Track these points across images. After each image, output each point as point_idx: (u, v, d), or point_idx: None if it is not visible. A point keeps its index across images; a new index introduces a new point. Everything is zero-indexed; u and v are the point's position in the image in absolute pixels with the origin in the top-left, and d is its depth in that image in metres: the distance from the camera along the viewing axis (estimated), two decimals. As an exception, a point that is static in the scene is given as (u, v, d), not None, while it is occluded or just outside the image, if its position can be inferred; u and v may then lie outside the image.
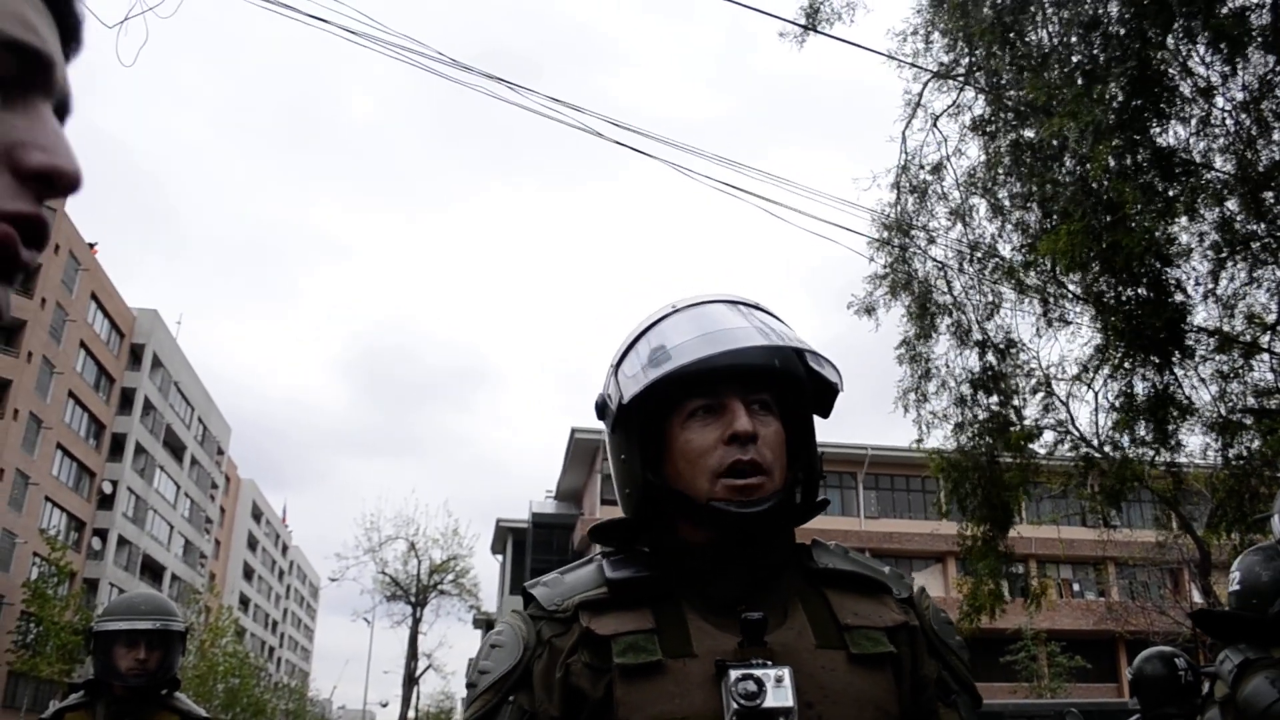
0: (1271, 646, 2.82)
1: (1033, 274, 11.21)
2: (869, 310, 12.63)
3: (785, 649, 1.27)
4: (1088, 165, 8.57)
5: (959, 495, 12.26)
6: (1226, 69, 9.10)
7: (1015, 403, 12.20)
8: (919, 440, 12.70)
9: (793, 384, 1.36)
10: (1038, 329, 11.74)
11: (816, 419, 1.42)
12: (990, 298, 12.15)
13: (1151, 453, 10.84)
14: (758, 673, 1.21)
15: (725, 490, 1.30)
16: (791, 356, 1.36)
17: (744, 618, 1.27)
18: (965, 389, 12.29)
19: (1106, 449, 11.49)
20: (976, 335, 12.26)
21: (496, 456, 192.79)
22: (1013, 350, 12.14)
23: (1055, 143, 9.43)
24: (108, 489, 51.57)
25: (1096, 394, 11.34)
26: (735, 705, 1.19)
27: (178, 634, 3.61)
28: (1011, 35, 10.23)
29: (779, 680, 1.20)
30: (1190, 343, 9.95)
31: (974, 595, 13.28)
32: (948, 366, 12.50)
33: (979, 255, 12.02)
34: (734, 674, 1.21)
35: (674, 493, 1.36)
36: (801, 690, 1.23)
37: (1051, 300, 11.38)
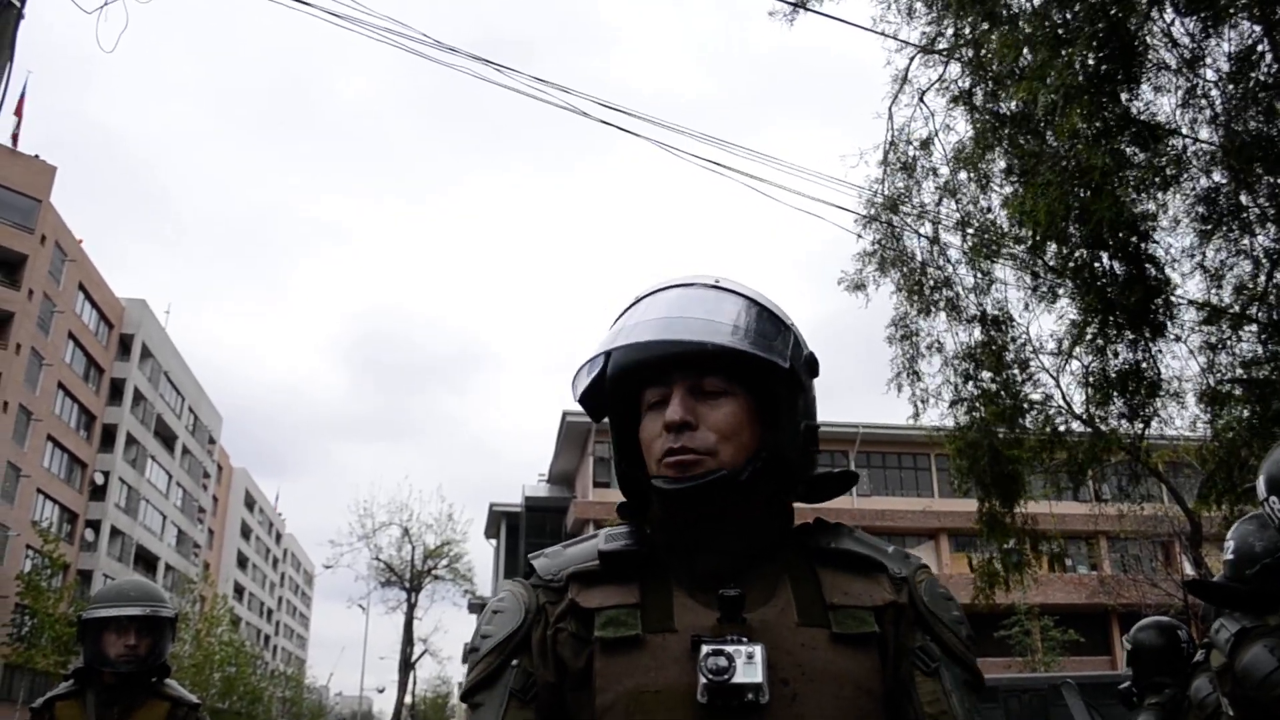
0: (1268, 614, 2.81)
1: (1023, 243, 11.17)
2: (859, 286, 12.60)
3: (765, 626, 1.28)
4: (1057, 129, 8.53)
5: (975, 471, 12.21)
6: (1205, 36, 9.07)
7: (1009, 377, 12.18)
8: (915, 416, 12.69)
9: (753, 359, 1.34)
10: (1032, 304, 11.72)
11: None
12: (981, 273, 12.12)
13: (1135, 426, 10.87)
14: (729, 649, 1.22)
15: (664, 469, 1.33)
16: (754, 331, 1.36)
17: (721, 594, 1.28)
18: (961, 364, 12.28)
19: (1094, 424, 11.52)
20: (970, 310, 12.25)
21: (491, 440, 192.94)
22: (1006, 325, 12.12)
23: (1029, 110, 9.40)
24: (99, 480, 51.46)
25: (1087, 367, 11.34)
26: (705, 680, 1.21)
27: (167, 620, 3.59)
28: (989, 3, 10.16)
29: (750, 657, 1.22)
30: (1162, 319, 9.94)
31: (985, 571, 13.30)
32: (939, 342, 12.49)
33: (969, 230, 12.00)
34: (706, 649, 1.23)
35: (644, 478, 1.40)
36: (778, 667, 1.24)
37: (1039, 274, 11.36)
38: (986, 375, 12.21)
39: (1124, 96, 8.78)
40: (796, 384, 1.37)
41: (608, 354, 1.40)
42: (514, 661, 1.33)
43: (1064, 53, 8.04)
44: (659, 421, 1.34)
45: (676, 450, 1.31)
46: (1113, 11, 8.13)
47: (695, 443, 1.31)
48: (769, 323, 1.38)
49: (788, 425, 1.36)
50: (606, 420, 1.49)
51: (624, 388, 1.42)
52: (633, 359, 1.38)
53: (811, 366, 1.41)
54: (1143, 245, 9.69)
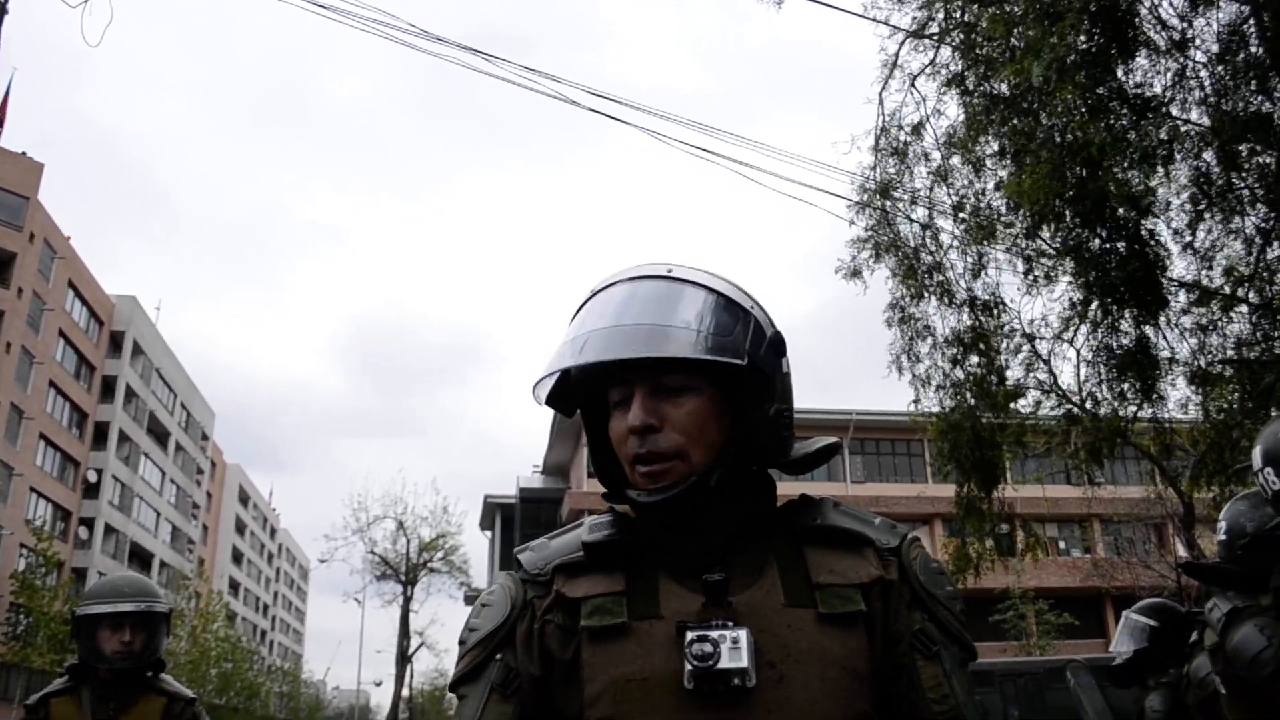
0: (1259, 594, 2.82)
1: (1014, 226, 11.16)
2: (855, 273, 12.60)
3: (750, 609, 1.27)
4: (1051, 105, 8.53)
5: (957, 456, 12.21)
6: (1195, 14, 9.08)
7: (999, 362, 12.18)
8: (915, 401, 12.69)
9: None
10: (1026, 288, 11.70)
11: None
12: (973, 257, 12.12)
13: (1134, 408, 10.86)
14: (714, 634, 1.22)
15: (638, 477, 1.33)
16: (709, 328, 1.31)
17: (704, 579, 1.28)
18: (951, 349, 12.27)
19: (1089, 405, 11.50)
20: (961, 295, 12.24)
21: (488, 432, 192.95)
22: (997, 309, 12.11)
23: (1023, 91, 9.39)
24: (93, 478, 51.37)
25: (1079, 351, 11.35)
26: (690, 667, 1.21)
27: (162, 615, 3.58)
28: None
29: (735, 642, 1.21)
30: (1167, 293, 9.93)
31: (959, 555, 13.32)
32: (929, 327, 12.49)
33: (961, 215, 11.99)
34: (690, 635, 1.22)
35: (619, 472, 1.40)
36: (764, 650, 1.24)
37: (1033, 257, 11.35)
38: (975, 360, 12.21)
39: (1119, 71, 8.77)
40: (760, 372, 1.33)
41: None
42: (498, 655, 1.34)
43: (1056, 29, 8.02)
44: (624, 422, 1.33)
45: (644, 456, 1.30)
46: None
47: (660, 445, 1.30)
48: (726, 313, 1.33)
49: (755, 413, 1.34)
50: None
51: (590, 387, 1.41)
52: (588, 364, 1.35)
53: (778, 348, 1.38)
54: (1142, 222, 9.68)
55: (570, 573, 1.36)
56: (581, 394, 1.44)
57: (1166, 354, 10.53)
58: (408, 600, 42.15)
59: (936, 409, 12.50)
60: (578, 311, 1.40)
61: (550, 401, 1.44)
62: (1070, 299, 11.13)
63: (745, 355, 1.30)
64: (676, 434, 1.30)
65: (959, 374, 12.28)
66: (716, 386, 1.33)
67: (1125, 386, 10.73)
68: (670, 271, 1.37)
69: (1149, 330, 10.25)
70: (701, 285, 1.35)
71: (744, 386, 1.33)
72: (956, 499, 12.75)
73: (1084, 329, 11.18)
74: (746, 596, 1.29)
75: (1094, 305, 10.54)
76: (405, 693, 44.73)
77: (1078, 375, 11.51)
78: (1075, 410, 11.71)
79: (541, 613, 1.35)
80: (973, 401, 12.03)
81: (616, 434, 1.35)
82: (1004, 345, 12.20)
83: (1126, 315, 10.20)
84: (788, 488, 1.45)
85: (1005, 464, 12.74)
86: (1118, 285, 9.57)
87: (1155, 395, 10.58)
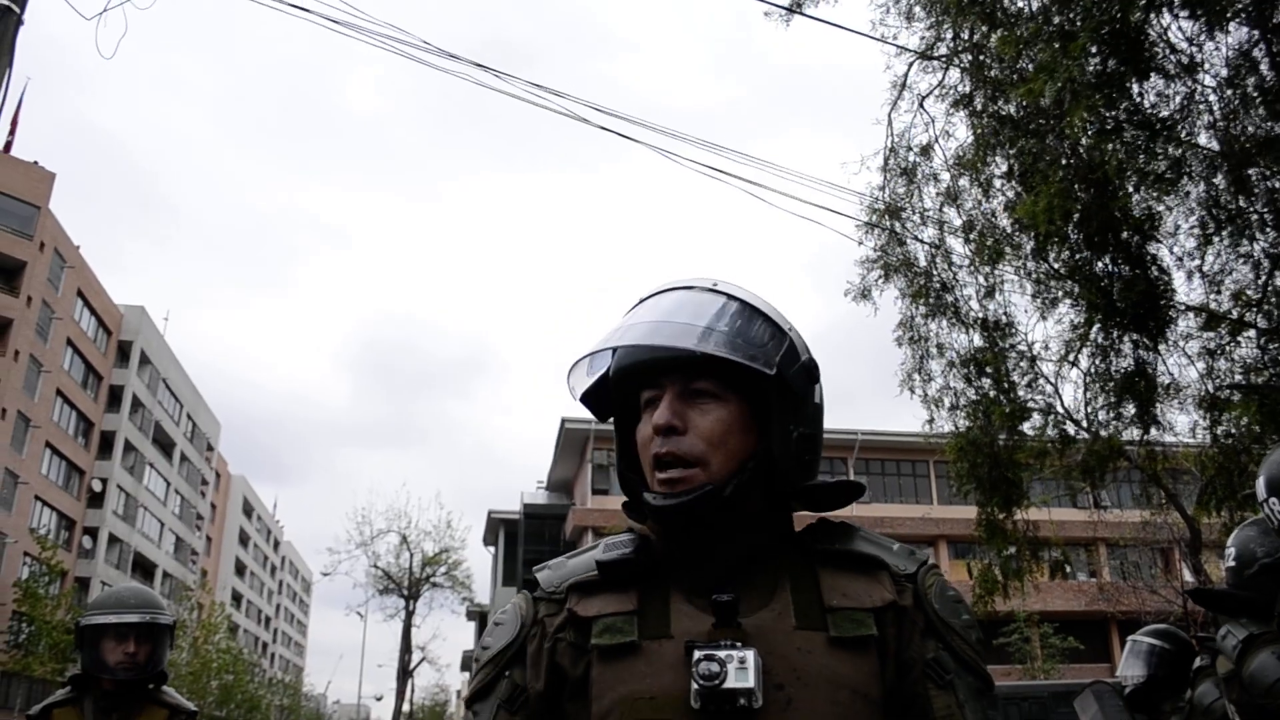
0: (1274, 620, 2.80)
1: (1022, 247, 11.14)
2: (865, 294, 12.57)
3: (760, 630, 1.28)
4: (1064, 127, 8.51)
5: (977, 475, 12.11)
6: (1204, 37, 9.08)
7: (1007, 383, 12.13)
8: (929, 422, 12.61)
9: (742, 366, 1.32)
10: (1040, 311, 11.66)
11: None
12: (984, 278, 12.09)
13: (1140, 432, 10.83)
14: (721, 654, 1.22)
15: (657, 483, 1.34)
16: (740, 336, 1.34)
17: (713, 599, 1.28)
18: (961, 369, 12.23)
19: (1090, 428, 11.46)
20: (971, 315, 12.20)
21: (492, 446, 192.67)
22: (1005, 330, 12.07)
23: (1034, 112, 9.39)
24: (97, 487, 51.42)
25: (1085, 373, 11.31)
26: (696, 685, 1.21)
27: (166, 627, 3.58)
28: (989, 6, 10.13)
29: (741, 662, 1.21)
30: (1165, 320, 9.90)
31: (985, 578, 13.18)
32: (939, 348, 12.46)
33: (970, 236, 11.97)
34: (698, 654, 1.22)
35: (641, 484, 1.41)
36: (773, 672, 1.24)
37: (1042, 280, 11.32)
38: (987, 381, 12.17)
39: (1134, 89, 8.76)
40: (788, 390, 1.35)
41: (612, 353, 1.42)
42: (506, 673, 1.37)
43: (1070, 48, 8.01)
44: (650, 423, 1.35)
45: (665, 458, 1.32)
46: (1115, 11, 8.12)
47: (683, 448, 1.31)
48: (762, 328, 1.37)
49: (778, 432, 1.35)
50: (609, 424, 1.51)
51: (624, 389, 1.43)
52: (626, 361, 1.40)
53: (810, 373, 1.40)
54: (1145, 246, 9.67)
55: (584, 591, 1.37)
56: (617, 398, 1.46)
57: (1166, 379, 10.50)
58: (410, 615, 42.09)
59: (951, 428, 12.44)
60: (625, 316, 1.44)
61: (586, 400, 1.47)
62: (1071, 321, 11.13)
63: (774, 367, 1.32)
64: (699, 439, 1.32)
65: (972, 394, 12.24)
66: (745, 400, 1.35)
67: (1123, 410, 10.71)
68: (716, 285, 1.42)
69: (1150, 354, 10.23)
70: (744, 301, 1.40)
71: (769, 404, 1.35)
72: (978, 519, 12.66)
73: (1086, 351, 11.16)
74: (757, 618, 1.29)
75: (1095, 328, 10.52)
76: (406, 707, 44.56)
77: (1085, 397, 11.47)
78: (1079, 431, 11.67)
79: (553, 630, 1.36)
80: (993, 419, 11.97)
81: (643, 437, 1.37)
82: (1014, 366, 12.16)
83: (1127, 339, 10.19)
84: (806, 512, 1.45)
85: (1025, 484, 12.63)
86: (1120, 309, 9.56)
87: (1152, 419, 10.55)
